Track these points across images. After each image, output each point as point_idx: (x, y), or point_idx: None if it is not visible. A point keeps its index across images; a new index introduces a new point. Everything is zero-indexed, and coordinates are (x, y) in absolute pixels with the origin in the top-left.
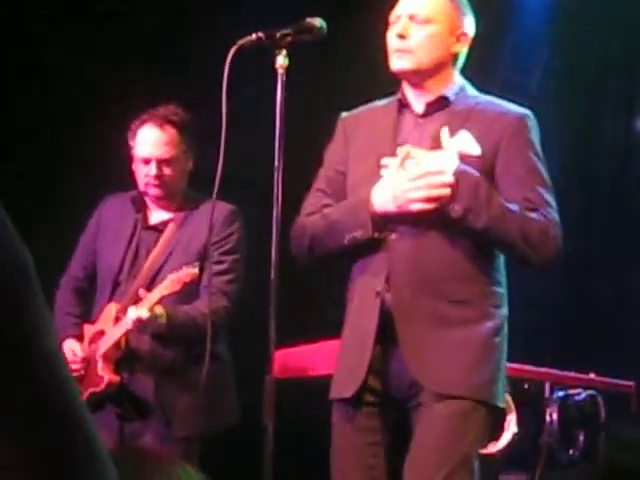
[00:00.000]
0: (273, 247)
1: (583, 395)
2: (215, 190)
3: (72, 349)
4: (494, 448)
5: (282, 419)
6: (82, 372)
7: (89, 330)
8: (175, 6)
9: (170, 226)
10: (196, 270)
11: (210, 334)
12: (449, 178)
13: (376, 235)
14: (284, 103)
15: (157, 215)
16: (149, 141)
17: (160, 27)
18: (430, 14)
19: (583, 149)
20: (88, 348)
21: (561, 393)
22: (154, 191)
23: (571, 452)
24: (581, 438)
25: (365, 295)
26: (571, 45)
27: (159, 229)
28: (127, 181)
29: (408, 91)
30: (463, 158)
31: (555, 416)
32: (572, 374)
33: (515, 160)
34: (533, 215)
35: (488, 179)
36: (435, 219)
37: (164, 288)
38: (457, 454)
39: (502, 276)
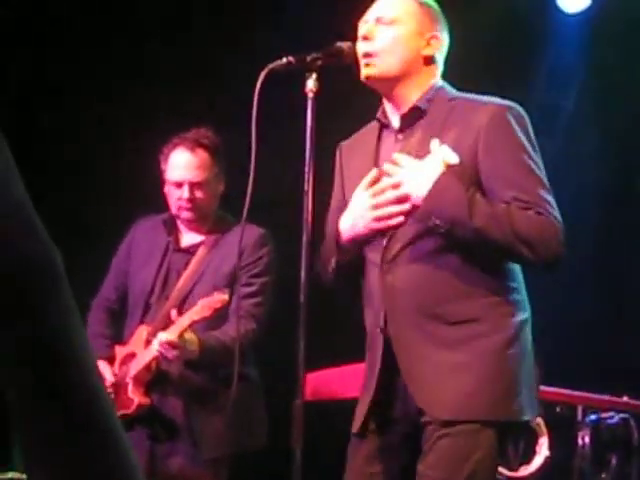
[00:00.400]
0: (303, 270)
1: (616, 418)
2: (245, 213)
3: (102, 372)
4: (526, 471)
5: (311, 441)
6: (112, 395)
7: (120, 352)
8: (208, 26)
9: (201, 249)
10: (226, 296)
11: (238, 357)
12: (404, 190)
13: (346, 259)
14: (314, 126)
15: (188, 238)
16: (181, 165)
17: (191, 49)
18: (395, 15)
19: (623, 166)
20: (119, 370)
21: (594, 416)
22: (186, 214)
23: (603, 476)
24: (614, 462)
25: (372, 330)
26: (607, 64)
27: (190, 252)
28: (156, 203)
29: (386, 106)
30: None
31: (587, 440)
32: (605, 397)
33: (498, 156)
34: (528, 214)
35: (472, 184)
36: (425, 242)
37: (195, 313)
38: (463, 472)
39: (513, 282)
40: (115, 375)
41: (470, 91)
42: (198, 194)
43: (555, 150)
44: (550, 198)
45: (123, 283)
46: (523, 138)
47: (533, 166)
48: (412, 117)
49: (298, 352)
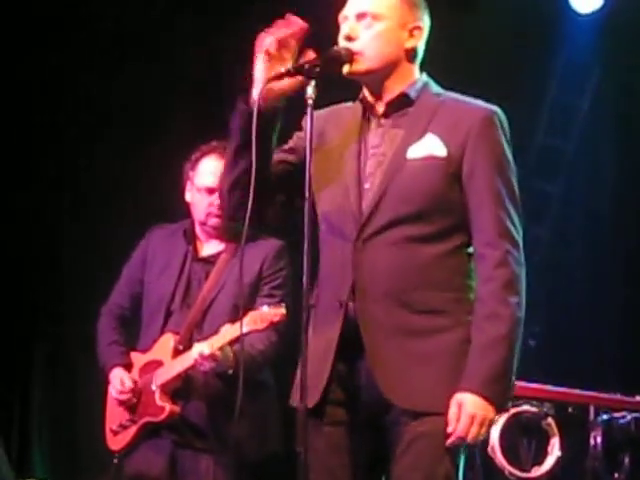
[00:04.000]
0: (305, 276)
1: (628, 418)
2: (246, 222)
3: (121, 378)
4: (538, 472)
5: None
6: (133, 401)
7: (139, 359)
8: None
9: (222, 257)
10: (284, 310)
11: (264, 368)
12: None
13: None
14: (313, 134)
15: (207, 248)
16: (215, 171)
17: (202, 62)
18: (378, 11)
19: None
20: (140, 377)
21: (606, 416)
22: (214, 221)
23: (616, 476)
24: (626, 462)
25: (329, 303)
26: (622, 63)
27: (210, 261)
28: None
29: (367, 94)
30: (429, 159)
31: (600, 440)
32: (617, 397)
33: (481, 162)
34: (493, 291)
35: (454, 178)
36: (403, 229)
37: (245, 325)
38: (440, 474)
39: (473, 281)
40: (135, 382)
41: (486, 93)
42: None
43: (571, 151)
44: (514, 230)
45: (137, 291)
46: (503, 144)
47: (507, 185)
48: (398, 104)
49: (302, 357)
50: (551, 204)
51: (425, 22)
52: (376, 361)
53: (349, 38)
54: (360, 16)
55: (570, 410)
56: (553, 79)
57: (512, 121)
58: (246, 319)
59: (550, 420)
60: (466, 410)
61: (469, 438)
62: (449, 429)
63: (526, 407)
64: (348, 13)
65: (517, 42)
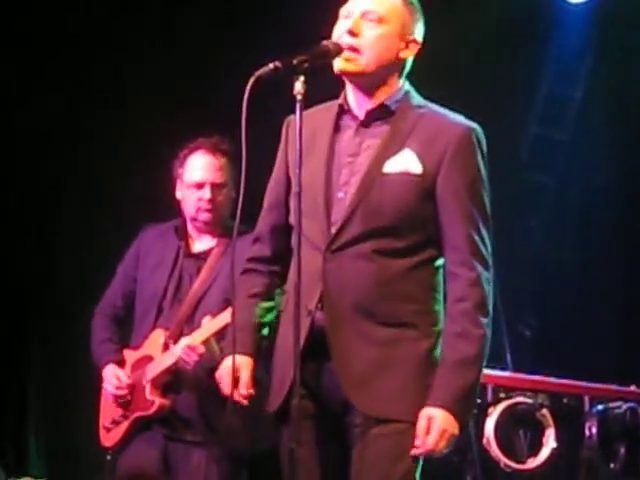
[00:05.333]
0: (296, 273)
1: (624, 408)
2: (237, 220)
3: (116, 375)
4: (533, 463)
5: None
6: (128, 397)
7: (131, 355)
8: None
9: (213, 254)
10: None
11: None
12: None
13: None
14: (302, 129)
15: (199, 244)
16: (203, 166)
17: (187, 61)
18: (384, 14)
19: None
20: (132, 373)
21: (601, 407)
22: (204, 216)
23: (612, 466)
24: (622, 452)
25: (295, 307)
26: (615, 52)
27: (201, 257)
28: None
29: (350, 96)
30: (404, 175)
31: (595, 430)
32: (612, 387)
33: (455, 180)
34: (461, 308)
35: (427, 195)
36: (373, 242)
37: (226, 318)
38: (398, 472)
39: (439, 293)
40: (128, 377)
41: (479, 83)
42: (218, 196)
43: (565, 141)
44: (482, 245)
45: (130, 289)
46: (480, 165)
47: (480, 202)
48: (378, 114)
49: (296, 356)
50: (545, 195)
51: (420, 38)
52: (341, 366)
53: (352, 33)
54: (365, 14)
55: (565, 401)
56: (546, 69)
57: (505, 112)
58: (225, 312)
59: (545, 411)
60: (437, 425)
61: (437, 451)
62: (417, 442)
63: (521, 398)
64: (353, 9)
65: (509, 32)
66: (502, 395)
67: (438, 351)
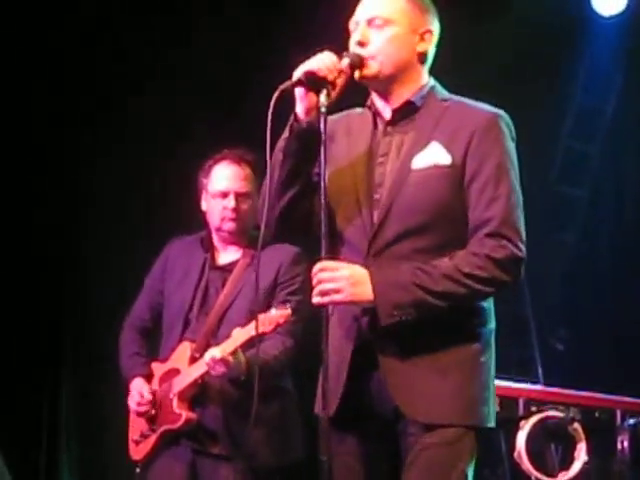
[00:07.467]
0: None
1: None
2: (262, 231)
3: (140, 391)
4: (565, 477)
5: None
6: (152, 412)
7: (159, 368)
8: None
9: (239, 266)
10: (289, 311)
11: (280, 374)
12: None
13: None
14: (326, 141)
15: (225, 256)
16: (227, 176)
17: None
18: (388, 16)
19: None
20: (159, 386)
21: (632, 420)
22: (229, 225)
23: None
24: None
25: (344, 317)
26: None
27: (227, 269)
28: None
29: (375, 99)
30: (434, 168)
31: (627, 444)
32: None
33: (483, 166)
34: (489, 245)
35: (460, 185)
36: (410, 242)
37: (253, 329)
38: None
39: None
40: (154, 392)
41: (511, 98)
42: (242, 205)
43: (596, 155)
44: (514, 214)
45: (158, 302)
46: (507, 147)
47: (509, 179)
48: (405, 112)
49: (325, 366)
50: (577, 208)
51: (435, 26)
52: (389, 373)
53: (361, 44)
54: (371, 21)
55: (597, 415)
56: (577, 83)
57: (537, 126)
58: (252, 324)
59: (577, 425)
60: (356, 273)
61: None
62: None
63: (552, 412)
64: (359, 19)
65: (541, 46)
66: (533, 409)
67: (486, 354)
